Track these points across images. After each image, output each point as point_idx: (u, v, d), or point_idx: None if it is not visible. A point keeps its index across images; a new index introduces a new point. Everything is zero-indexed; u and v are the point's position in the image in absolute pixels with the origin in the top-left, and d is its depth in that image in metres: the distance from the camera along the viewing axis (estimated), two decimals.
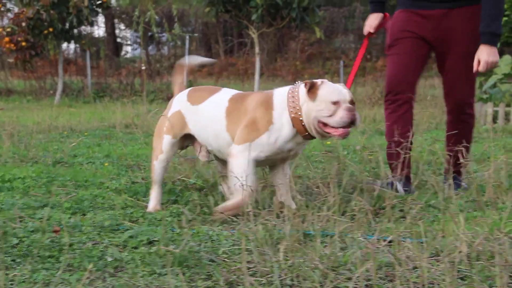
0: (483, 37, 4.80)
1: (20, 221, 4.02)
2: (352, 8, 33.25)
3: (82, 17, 19.88)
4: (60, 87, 20.43)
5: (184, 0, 33.00)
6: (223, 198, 4.58)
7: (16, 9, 23.96)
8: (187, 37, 24.51)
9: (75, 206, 4.58)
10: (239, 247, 3.37)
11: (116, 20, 37.62)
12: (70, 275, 3.07)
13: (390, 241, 3.41)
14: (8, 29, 20.34)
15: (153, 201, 4.69)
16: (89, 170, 6.21)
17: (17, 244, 3.60)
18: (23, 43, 20.80)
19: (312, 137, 4.41)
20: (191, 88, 5.08)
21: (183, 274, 3.03)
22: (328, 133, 4.27)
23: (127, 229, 3.90)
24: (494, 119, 11.49)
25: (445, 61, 5.14)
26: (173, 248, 3.36)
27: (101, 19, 33.89)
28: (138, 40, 32.11)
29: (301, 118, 4.28)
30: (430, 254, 3.16)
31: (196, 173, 5.56)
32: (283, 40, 29.50)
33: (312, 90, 4.23)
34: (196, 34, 31.21)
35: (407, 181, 5.15)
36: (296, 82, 4.49)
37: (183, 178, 5.43)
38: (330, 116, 4.19)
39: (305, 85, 4.26)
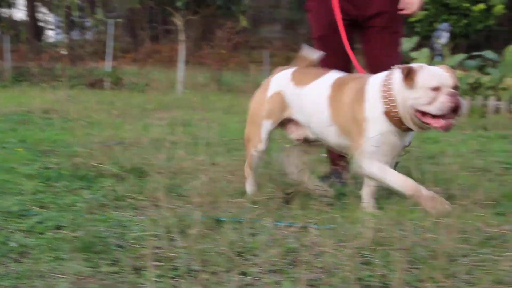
0: None
1: None
2: None
3: None
4: None
5: None
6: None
7: None
8: (111, 22, 24.20)
9: None
10: (148, 232, 3.36)
11: (37, 3, 36.99)
12: None
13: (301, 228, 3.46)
14: None
15: (253, 187, 4.49)
16: (1, 155, 6.05)
17: None
18: None
19: (411, 129, 4.00)
20: (294, 68, 4.60)
21: (88, 259, 3.01)
22: (428, 124, 3.81)
23: (35, 215, 3.81)
24: None
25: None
26: (80, 233, 3.35)
27: (21, 1, 33.44)
28: (61, 24, 31.64)
29: (394, 110, 3.88)
30: (336, 240, 3.18)
31: (112, 160, 5.49)
32: (209, 28, 29.37)
33: (409, 76, 3.78)
34: (120, 20, 30.88)
35: (340, 174, 5.09)
36: (392, 67, 4.03)
37: (98, 164, 5.34)
38: (430, 103, 3.74)
39: (402, 71, 3.81)
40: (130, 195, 4.29)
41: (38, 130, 8.35)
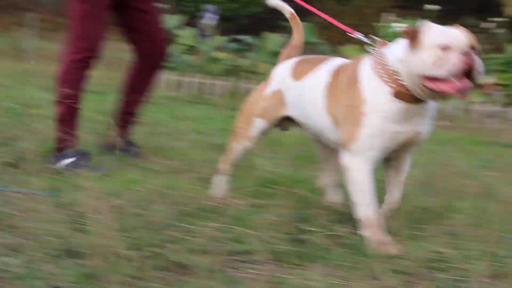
0: None
1: None
2: None
3: None
4: None
5: None
6: None
7: None
8: None
9: None
10: None
11: None
12: None
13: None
14: None
15: (220, 189, 3.93)
16: None
17: None
18: None
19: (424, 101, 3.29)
20: (298, 58, 3.98)
21: None
22: (441, 90, 3.10)
23: None
24: (175, 86, 11.79)
25: None
26: None
27: None
28: None
29: (399, 79, 3.22)
30: (54, 207, 3.14)
31: None
32: None
33: (415, 38, 3.13)
34: None
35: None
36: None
37: None
38: (439, 65, 3.06)
39: (407, 34, 3.17)
40: None
41: None
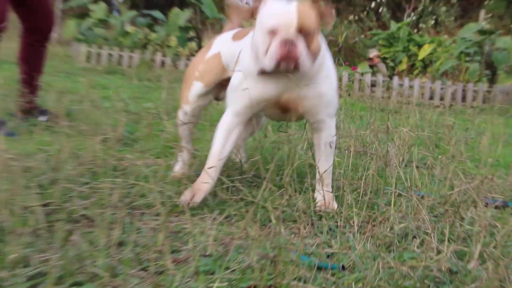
0: None
1: None
2: None
3: None
4: None
5: None
6: None
7: None
8: None
9: None
10: None
11: None
12: None
13: None
14: None
15: (178, 164, 3.60)
16: None
17: None
18: None
19: None
20: (240, 28, 3.62)
21: None
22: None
23: None
24: (87, 58, 11.68)
25: None
26: None
27: None
28: None
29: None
30: None
31: None
32: None
33: (253, 15, 2.92)
34: None
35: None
36: None
37: None
38: (264, 54, 2.80)
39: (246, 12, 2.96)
40: None
41: None
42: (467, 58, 11.13)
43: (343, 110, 7.29)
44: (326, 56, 3.07)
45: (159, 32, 12.04)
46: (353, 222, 2.79)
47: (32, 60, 4.96)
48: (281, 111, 3.10)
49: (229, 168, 3.59)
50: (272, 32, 2.76)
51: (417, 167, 4.05)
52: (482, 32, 11.32)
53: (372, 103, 9.35)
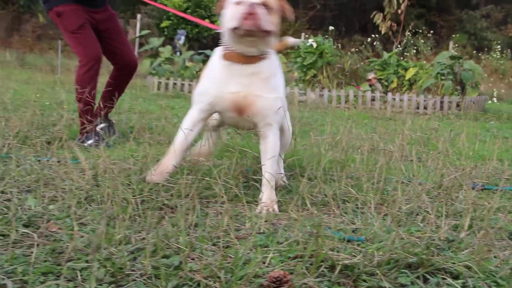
0: None
1: None
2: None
3: None
4: None
5: None
6: None
7: None
8: None
9: None
10: None
11: None
12: None
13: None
14: None
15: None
16: None
17: None
18: None
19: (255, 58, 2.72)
20: None
21: None
22: (243, 29, 2.58)
23: None
24: (158, 87, 11.73)
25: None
26: None
27: None
28: None
29: (227, 43, 2.71)
30: (79, 171, 3.07)
31: None
32: (18, 21, 27.50)
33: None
34: None
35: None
36: None
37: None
38: (233, 18, 2.58)
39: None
40: None
41: None
42: (442, 77, 11.06)
43: (351, 119, 7.22)
44: (278, 72, 2.84)
45: None
46: (370, 204, 2.74)
47: (115, 88, 4.90)
48: (236, 113, 2.79)
49: None
50: (239, 3, 2.56)
51: (411, 160, 3.99)
52: (452, 57, 11.28)
53: (373, 113, 9.28)
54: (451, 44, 16.99)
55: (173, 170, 2.93)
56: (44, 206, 2.42)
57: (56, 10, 4.53)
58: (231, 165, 3.27)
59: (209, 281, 1.74)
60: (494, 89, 16.47)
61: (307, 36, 13.93)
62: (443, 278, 1.88)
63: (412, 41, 18.49)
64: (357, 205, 2.78)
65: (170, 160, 2.91)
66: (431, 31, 19.72)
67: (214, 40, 23.54)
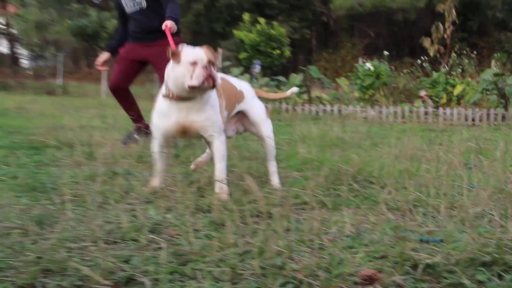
0: (168, 17, 4.68)
1: None
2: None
3: None
4: None
5: None
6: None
7: None
8: (60, 55, 23.27)
9: None
10: (71, 180, 3.21)
11: (15, 43, 34.79)
12: None
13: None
14: None
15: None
16: None
17: None
18: None
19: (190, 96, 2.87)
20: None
21: (33, 196, 2.84)
22: (198, 87, 2.77)
23: (2, 170, 3.55)
24: None
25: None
26: (29, 181, 3.16)
27: (5, 41, 31.49)
28: (29, 55, 30.34)
29: (168, 85, 2.89)
30: (186, 183, 3.11)
31: (54, 137, 5.20)
32: None
33: (175, 55, 2.81)
34: (65, 54, 29.48)
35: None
36: None
37: (45, 140, 5.06)
38: (191, 76, 2.75)
39: (172, 54, 2.82)
40: (64, 158, 4.07)
41: (11, 119, 7.85)
42: (488, 92, 10.71)
43: (408, 132, 7.05)
44: (210, 99, 2.96)
45: (283, 89, 12.04)
46: (440, 208, 2.64)
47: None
48: (182, 134, 2.99)
49: (344, 175, 3.48)
50: (194, 63, 2.74)
51: (470, 168, 3.85)
52: (496, 74, 10.86)
53: (427, 126, 9.03)
54: (492, 62, 16.38)
55: (160, 186, 3.06)
56: (162, 215, 2.47)
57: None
58: (313, 176, 3.25)
59: (310, 279, 1.72)
60: None
61: (364, 61, 13.72)
62: None
63: (457, 61, 17.95)
64: (427, 209, 2.69)
65: (157, 180, 3.11)
66: (474, 52, 19.04)
67: (283, 68, 23.64)
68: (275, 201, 2.72)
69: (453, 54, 17.91)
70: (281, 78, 12.75)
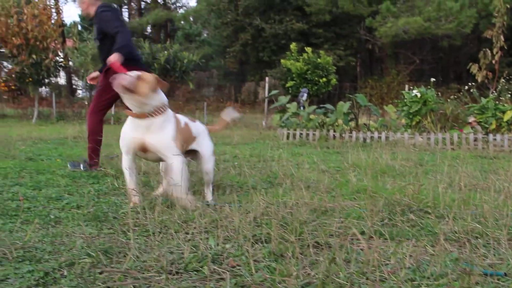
0: (113, 50, 4.70)
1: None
2: (211, 72, 33.40)
3: (50, 72, 19.25)
4: (35, 113, 19.45)
5: None
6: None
7: (10, 66, 22.73)
8: None
9: (35, 184, 4.24)
10: (131, 209, 3.27)
11: (72, 74, 36.07)
12: (26, 226, 2.87)
13: (220, 206, 3.38)
14: (4, 79, 19.83)
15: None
16: (47, 163, 5.81)
17: None
18: (13, 87, 20.13)
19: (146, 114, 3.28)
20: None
21: (96, 225, 2.91)
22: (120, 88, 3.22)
23: (66, 199, 3.66)
24: (287, 137, 11.81)
25: None
26: (91, 210, 3.24)
27: (62, 73, 32.66)
28: (85, 86, 31.29)
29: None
30: (240, 213, 3.12)
31: (112, 165, 5.34)
32: (173, 89, 29.01)
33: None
34: None
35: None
36: None
37: (104, 168, 5.20)
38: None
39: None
40: (122, 187, 4.16)
41: (69, 148, 8.09)
42: None
43: (459, 159, 6.87)
44: (169, 117, 3.35)
45: (331, 117, 11.98)
46: (500, 240, 2.55)
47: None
48: (143, 152, 3.36)
49: (398, 204, 3.41)
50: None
51: None
52: None
53: (477, 153, 8.79)
54: None
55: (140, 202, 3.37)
56: (222, 245, 2.47)
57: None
58: (368, 205, 3.20)
59: None
60: None
61: (411, 87, 13.55)
62: None
63: (506, 87, 17.50)
64: (487, 241, 2.61)
65: (133, 196, 3.44)
66: None
67: (329, 95, 23.62)
68: (330, 231, 2.69)
69: (502, 80, 17.50)
70: (329, 106, 12.72)
